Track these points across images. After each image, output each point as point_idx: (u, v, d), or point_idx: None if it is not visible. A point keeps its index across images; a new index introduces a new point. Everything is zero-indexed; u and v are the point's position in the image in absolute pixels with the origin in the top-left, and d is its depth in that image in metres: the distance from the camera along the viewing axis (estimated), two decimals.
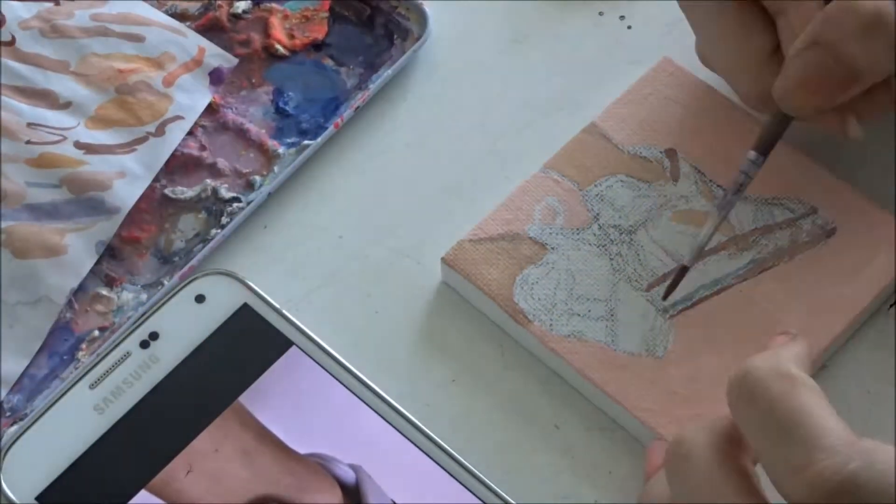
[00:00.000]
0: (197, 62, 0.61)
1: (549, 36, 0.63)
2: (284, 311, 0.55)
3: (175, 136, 0.60)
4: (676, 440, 0.45)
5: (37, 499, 0.52)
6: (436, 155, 0.60)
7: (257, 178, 0.60)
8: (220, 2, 0.64)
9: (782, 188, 0.56)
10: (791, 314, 0.54)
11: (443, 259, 0.56)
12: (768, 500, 0.42)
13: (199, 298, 0.55)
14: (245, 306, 0.55)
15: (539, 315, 0.54)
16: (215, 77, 0.62)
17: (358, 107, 0.61)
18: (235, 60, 0.62)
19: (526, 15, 0.64)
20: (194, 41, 0.62)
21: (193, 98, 0.61)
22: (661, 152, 0.58)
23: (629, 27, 0.63)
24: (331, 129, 0.60)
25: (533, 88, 0.62)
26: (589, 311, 0.54)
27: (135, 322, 0.56)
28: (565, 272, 0.55)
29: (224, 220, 0.59)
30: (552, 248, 0.56)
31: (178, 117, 0.60)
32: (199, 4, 0.64)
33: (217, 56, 0.62)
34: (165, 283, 0.57)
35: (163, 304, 0.55)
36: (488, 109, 0.61)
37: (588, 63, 0.62)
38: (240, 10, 0.64)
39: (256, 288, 0.55)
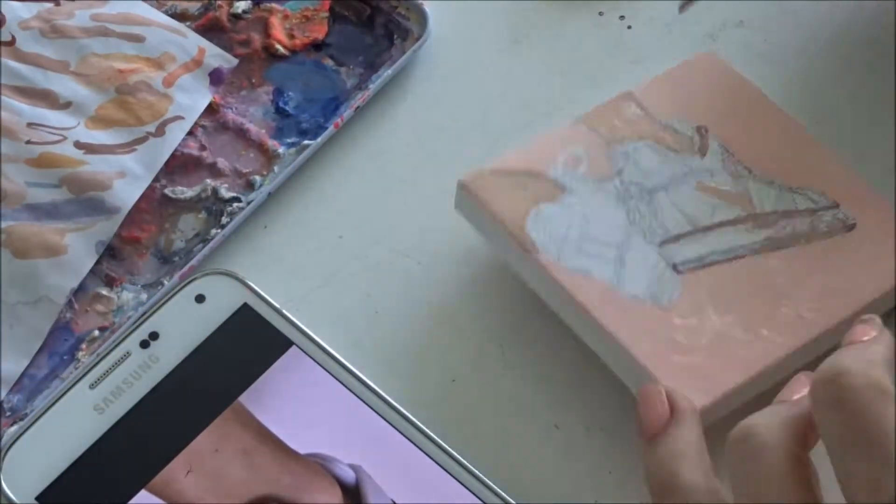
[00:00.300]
0: (197, 62, 0.61)
1: (549, 36, 0.63)
2: (284, 311, 0.55)
3: (175, 136, 0.60)
4: (745, 431, 0.43)
5: (37, 499, 0.52)
6: (436, 155, 0.60)
7: (257, 177, 0.60)
8: (220, 2, 0.64)
9: (807, 180, 0.56)
10: (801, 291, 0.54)
11: (459, 182, 0.55)
12: None
13: (199, 298, 0.55)
14: (245, 306, 0.55)
15: (548, 247, 0.54)
16: (215, 77, 0.62)
17: (358, 107, 0.61)
18: (235, 61, 0.62)
19: (526, 15, 0.64)
20: (194, 41, 0.62)
21: (193, 98, 0.61)
22: (692, 127, 0.58)
23: (629, 27, 0.63)
24: (331, 129, 0.60)
25: (533, 88, 0.62)
26: (599, 252, 0.54)
27: (135, 322, 0.56)
28: (580, 216, 0.55)
29: (224, 220, 0.59)
30: (570, 192, 0.56)
31: (179, 117, 0.60)
32: (199, 4, 0.64)
33: (217, 56, 0.62)
34: (165, 283, 0.57)
35: (163, 304, 0.55)
36: (488, 109, 0.61)
37: (588, 63, 0.62)
38: (240, 10, 0.64)
39: (256, 288, 0.55)
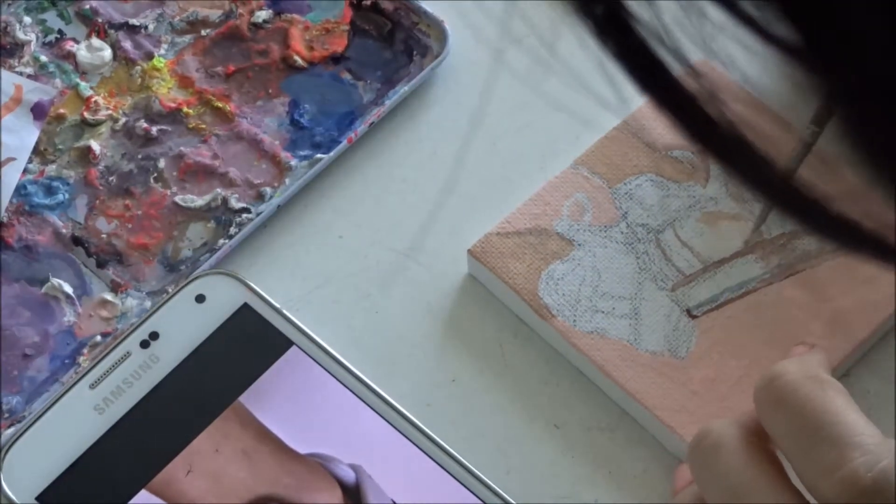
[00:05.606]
0: (16, 100, 0.61)
1: (548, 36, 0.63)
2: (284, 311, 0.55)
3: (11, 178, 0.59)
4: (702, 433, 0.44)
5: (37, 499, 0.52)
6: (435, 155, 0.60)
7: (268, 189, 0.59)
8: (241, 10, 0.63)
9: None
10: (816, 320, 0.54)
11: (469, 251, 0.56)
12: (801, 491, 0.42)
13: (199, 298, 0.55)
14: (245, 306, 0.55)
15: (563, 310, 0.54)
16: (38, 111, 0.61)
17: (372, 122, 0.60)
18: (55, 91, 0.61)
19: (526, 15, 0.64)
20: (9, 80, 0.61)
21: (21, 137, 0.60)
22: (692, 153, 0.58)
23: None
24: (344, 143, 0.60)
25: (533, 88, 0.62)
26: (613, 308, 0.54)
27: (135, 322, 0.56)
28: (591, 269, 0.55)
29: (233, 230, 0.58)
30: (579, 245, 0.56)
31: (10, 159, 0.60)
32: (219, 12, 0.63)
33: (35, 90, 0.61)
34: (170, 291, 0.57)
35: (163, 303, 0.55)
36: (488, 110, 0.61)
37: (588, 63, 0.62)
38: (260, 20, 0.63)
39: (256, 288, 0.55)
